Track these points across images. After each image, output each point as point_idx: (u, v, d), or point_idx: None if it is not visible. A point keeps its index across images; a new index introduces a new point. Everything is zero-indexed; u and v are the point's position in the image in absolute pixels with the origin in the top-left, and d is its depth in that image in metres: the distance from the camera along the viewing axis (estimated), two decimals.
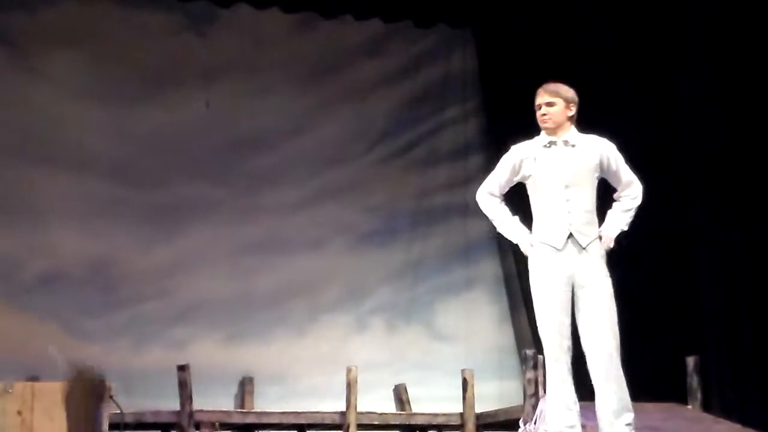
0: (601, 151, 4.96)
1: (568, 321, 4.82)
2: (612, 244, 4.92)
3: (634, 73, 9.46)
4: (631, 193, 5.01)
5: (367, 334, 9.53)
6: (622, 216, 4.97)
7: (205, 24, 9.35)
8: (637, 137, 9.39)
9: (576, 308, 4.83)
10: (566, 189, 4.84)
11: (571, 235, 4.81)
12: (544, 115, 4.95)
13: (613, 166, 4.97)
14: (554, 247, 4.81)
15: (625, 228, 4.97)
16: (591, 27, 9.40)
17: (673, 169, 9.40)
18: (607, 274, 4.89)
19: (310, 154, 9.57)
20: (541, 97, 5.00)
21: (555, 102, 4.96)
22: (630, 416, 4.84)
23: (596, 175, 4.93)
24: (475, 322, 9.66)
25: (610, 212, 4.98)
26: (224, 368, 8.88)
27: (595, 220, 4.92)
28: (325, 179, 9.61)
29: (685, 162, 9.33)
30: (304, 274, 9.42)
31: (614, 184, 5.02)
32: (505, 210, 5.02)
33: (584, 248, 4.82)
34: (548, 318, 4.81)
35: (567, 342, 4.81)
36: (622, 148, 9.85)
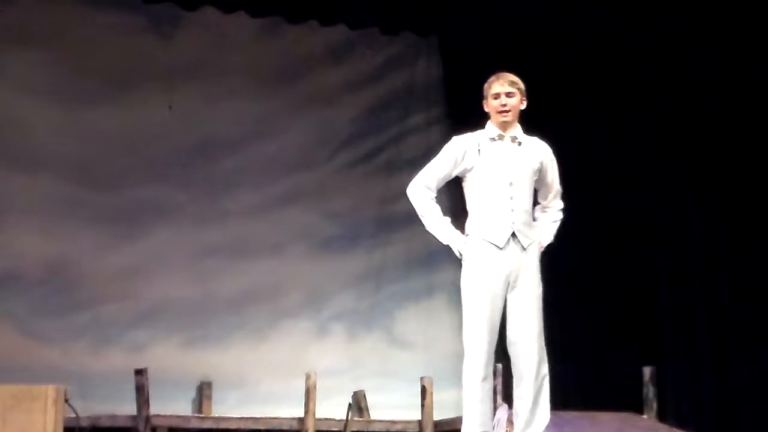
0: (543, 155, 4.78)
1: (498, 326, 4.61)
2: (541, 250, 4.78)
3: (599, 81, 9.57)
4: (557, 205, 4.88)
5: (327, 340, 9.52)
6: (551, 226, 4.84)
7: (169, 26, 9.30)
8: (596, 138, 9.55)
9: (506, 310, 4.63)
10: (510, 186, 4.63)
11: (513, 234, 4.60)
12: (505, 105, 4.69)
13: (549, 174, 4.81)
14: (496, 245, 4.58)
15: (552, 240, 4.84)
16: (557, 37, 9.48)
17: (632, 177, 9.52)
18: (540, 278, 4.73)
19: (273, 159, 9.55)
20: (501, 86, 4.72)
21: (513, 93, 4.72)
22: (546, 420, 4.67)
23: (534, 177, 4.74)
24: (435, 330, 9.68)
25: (539, 222, 4.82)
26: (183, 372, 8.83)
27: (533, 222, 4.78)
28: (287, 184, 9.59)
29: (646, 167, 9.44)
30: (265, 279, 9.40)
31: (543, 192, 4.85)
32: (437, 207, 4.75)
33: (525, 249, 4.63)
34: (482, 324, 4.55)
35: (493, 352, 4.59)
36: (581, 148, 10.02)
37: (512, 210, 4.63)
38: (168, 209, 9.15)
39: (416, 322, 9.73)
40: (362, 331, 9.63)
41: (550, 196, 4.86)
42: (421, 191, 4.79)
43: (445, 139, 10.02)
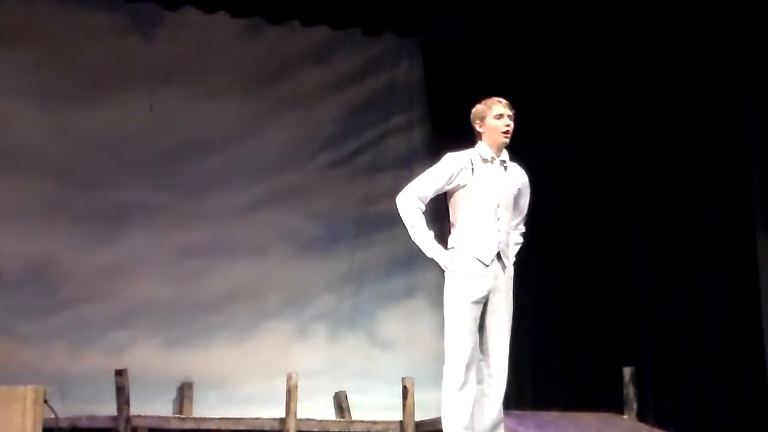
0: (522, 180, 5.05)
1: (477, 336, 4.85)
2: None
3: (581, 83, 9.61)
4: (521, 229, 5.11)
5: (309, 341, 9.52)
6: (512, 249, 5.04)
7: (150, 26, 9.26)
8: (579, 142, 9.59)
9: (481, 325, 4.85)
10: (498, 208, 4.87)
11: (498, 254, 4.85)
12: (508, 126, 4.94)
13: (523, 200, 5.05)
14: (482, 262, 4.81)
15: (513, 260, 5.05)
16: (539, 39, 9.51)
17: (612, 179, 9.57)
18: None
19: (255, 160, 9.54)
20: (504, 108, 4.98)
21: (512, 117, 4.99)
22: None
23: (513, 200, 5.00)
24: (416, 331, 9.69)
25: None
26: (163, 373, 8.80)
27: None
28: (269, 185, 9.58)
29: (628, 172, 9.49)
30: (246, 279, 9.38)
31: (513, 215, 5.03)
32: (423, 219, 4.92)
33: (505, 268, 4.88)
34: (464, 334, 4.78)
35: (475, 361, 4.82)
36: (566, 153, 10.04)
37: (498, 230, 4.86)
38: (149, 210, 9.12)
39: (398, 322, 9.74)
40: (344, 331, 9.63)
41: (519, 219, 5.10)
42: (412, 202, 4.91)
43: (427, 140, 10.18)
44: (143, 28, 9.24)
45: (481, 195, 4.85)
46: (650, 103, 9.28)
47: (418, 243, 4.89)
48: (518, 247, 5.09)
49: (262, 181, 9.55)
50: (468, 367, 4.76)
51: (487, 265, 4.80)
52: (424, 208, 4.92)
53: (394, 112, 10.10)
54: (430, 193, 4.91)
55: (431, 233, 4.91)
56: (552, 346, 9.62)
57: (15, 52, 8.75)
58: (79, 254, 8.86)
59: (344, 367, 9.43)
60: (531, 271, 9.34)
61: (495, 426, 4.87)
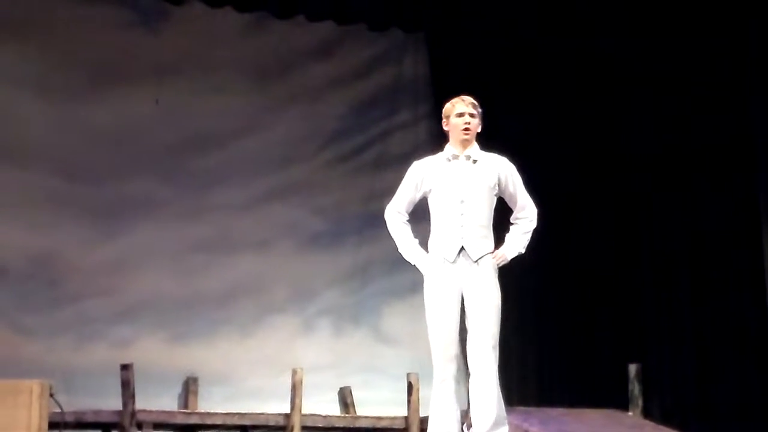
0: (500, 170, 4.99)
1: (456, 335, 4.92)
2: (505, 262, 4.97)
3: (584, 78, 9.61)
4: (527, 216, 5.05)
5: (314, 336, 9.52)
6: (521, 238, 5.01)
7: (156, 20, 9.26)
8: (583, 137, 9.59)
9: (465, 319, 4.91)
10: (461, 204, 4.88)
11: (462, 249, 4.85)
12: (468, 123, 4.94)
13: (511, 188, 5.00)
14: (447, 260, 4.86)
15: (523, 251, 5.03)
16: (541, 35, 9.50)
17: (618, 174, 9.56)
18: (497, 286, 4.92)
19: (260, 155, 9.53)
20: (465, 106, 4.99)
21: (475, 114, 5.00)
22: (505, 430, 4.88)
23: (494, 192, 4.96)
24: (421, 326, 9.58)
25: (509, 235, 5.03)
26: (168, 368, 8.80)
27: (490, 235, 4.95)
28: (273, 180, 9.58)
29: (630, 168, 9.48)
30: (250, 274, 9.38)
31: (510, 205, 5.06)
32: (407, 230, 5.03)
33: (475, 261, 4.86)
34: (437, 331, 4.91)
35: (453, 356, 4.91)
36: (569, 144, 10.04)
37: (462, 226, 4.88)
38: (154, 204, 9.12)
39: (402, 318, 9.73)
40: (348, 327, 9.63)
41: (517, 207, 5.05)
42: (394, 216, 5.06)
43: (432, 135, 10.18)
44: (149, 22, 9.24)
45: (444, 194, 4.92)
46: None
47: (402, 254, 5.05)
48: (528, 235, 5.02)
49: (267, 176, 9.55)
50: (446, 363, 4.89)
51: (453, 262, 4.84)
52: (406, 218, 5.03)
53: (399, 107, 10.09)
54: (405, 205, 5.03)
55: (415, 241, 5.01)
56: (557, 343, 9.62)
57: (21, 45, 8.75)
58: (84, 248, 8.87)
59: (349, 363, 9.43)
60: (536, 269, 9.36)
61: (495, 424, 4.84)
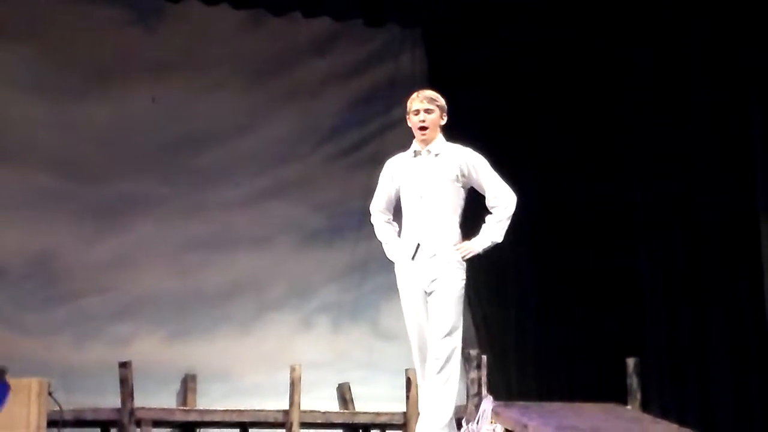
0: (461, 161, 4.87)
1: (424, 328, 4.89)
2: (473, 254, 4.83)
3: (584, 76, 9.60)
4: (501, 203, 4.88)
5: (312, 332, 9.53)
6: (495, 227, 4.87)
7: (153, 18, 9.27)
8: (580, 131, 9.59)
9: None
10: (420, 200, 4.83)
11: (419, 246, 4.81)
12: (423, 121, 4.89)
13: (475, 176, 4.86)
14: (406, 258, 4.85)
15: (500, 240, 4.90)
16: (539, 32, 9.50)
17: (615, 171, 9.56)
18: (460, 279, 4.83)
19: (258, 152, 9.54)
20: (420, 103, 4.92)
21: (432, 109, 4.90)
22: (443, 419, 4.79)
23: (458, 184, 4.85)
24: None
25: (484, 225, 4.90)
26: (167, 365, 8.81)
27: (453, 229, 4.84)
28: (272, 177, 9.59)
29: (627, 163, 9.48)
30: (249, 271, 9.39)
31: (483, 194, 4.94)
32: (388, 229, 5.00)
33: (434, 255, 4.78)
34: (409, 332, 4.93)
35: (423, 349, 4.89)
36: (560, 139, 10.01)
37: (420, 222, 4.84)
38: (152, 202, 9.13)
39: (401, 314, 9.70)
40: (347, 323, 9.64)
41: (489, 196, 4.92)
42: (376, 216, 5.07)
43: None
44: (146, 20, 9.24)
45: (405, 191, 4.90)
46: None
47: (386, 254, 5.03)
48: (502, 223, 4.87)
49: (264, 173, 9.56)
50: (421, 363, 4.89)
51: (412, 259, 4.82)
52: (388, 217, 5.02)
53: (396, 103, 10.03)
54: (384, 204, 5.01)
55: (395, 240, 4.96)
56: (556, 337, 9.63)
57: (18, 45, 8.76)
58: (83, 247, 8.88)
59: (348, 359, 9.44)
60: (534, 262, 9.37)
61: (431, 427, 4.75)
